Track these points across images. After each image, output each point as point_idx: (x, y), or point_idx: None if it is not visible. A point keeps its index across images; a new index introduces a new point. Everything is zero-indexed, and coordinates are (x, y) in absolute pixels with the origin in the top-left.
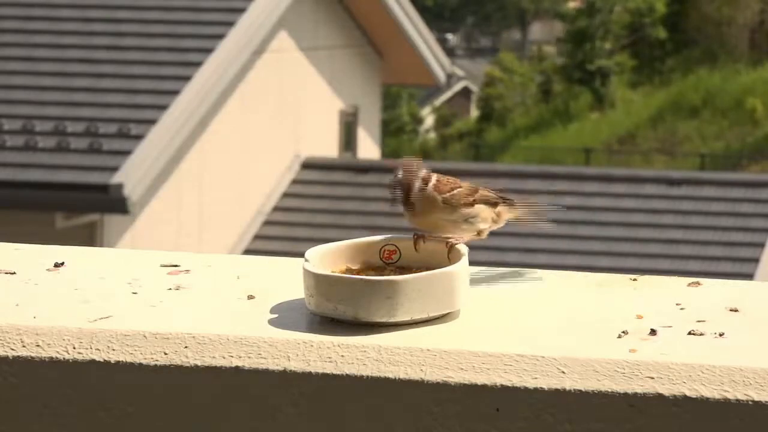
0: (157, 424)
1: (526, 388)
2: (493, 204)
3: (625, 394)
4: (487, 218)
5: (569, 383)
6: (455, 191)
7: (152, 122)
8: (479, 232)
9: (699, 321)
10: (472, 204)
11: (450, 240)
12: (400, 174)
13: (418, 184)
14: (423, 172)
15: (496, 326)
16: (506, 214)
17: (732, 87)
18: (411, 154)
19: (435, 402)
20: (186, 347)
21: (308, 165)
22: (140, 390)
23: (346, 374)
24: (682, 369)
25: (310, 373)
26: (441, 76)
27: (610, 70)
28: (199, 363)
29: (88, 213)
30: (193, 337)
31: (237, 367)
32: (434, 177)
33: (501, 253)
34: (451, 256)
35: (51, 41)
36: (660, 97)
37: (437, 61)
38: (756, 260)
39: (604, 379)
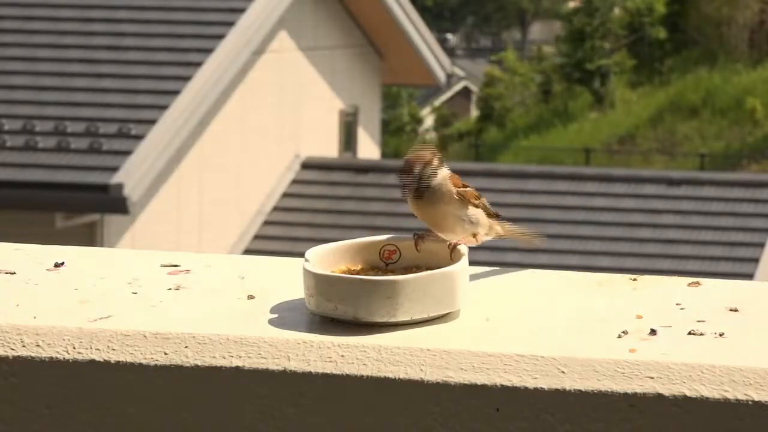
0: (157, 424)
1: (526, 388)
2: (488, 215)
3: (625, 394)
4: (485, 224)
5: (569, 383)
6: (467, 188)
7: (152, 122)
8: (475, 235)
9: (699, 321)
10: (477, 205)
11: (452, 241)
12: (412, 159)
13: (430, 169)
14: (436, 161)
15: (496, 326)
16: (497, 228)
17: (732, 87)
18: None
19: (435, 402)
20: (186, 347)
21: (308, 165)
22: (140, 390)
23: (346, 374)
24: (682, 369)
25: (310, 373)
26: (441, 76)
27: (610, 69)
28: (199, 363)
29: (88, 213)
30: (193, 337)
31: (237, 367)
32: (447, 169)
33: (501, 253)
34: (453, 256)
35: (51, 41)
36: (660, 97)
37: (437, 61)
38: (756, 260)
39: (604, 379)
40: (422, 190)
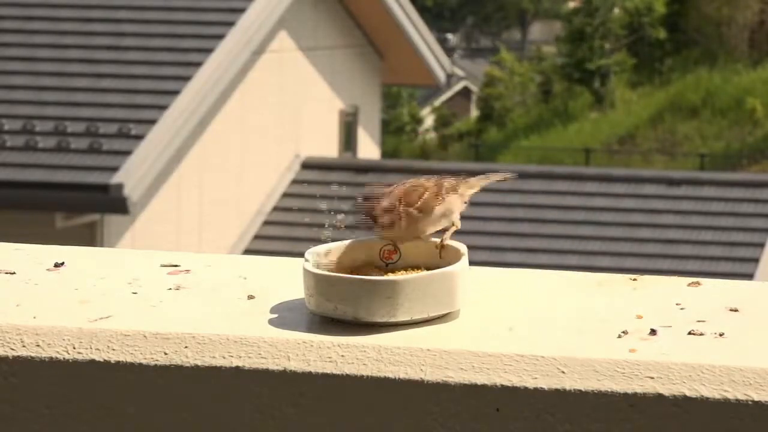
0: (157, 424)
1: (526, 388)
2: (455, 189)
3: (625, 394)
4: (458, 206)
5: (569, 383)
6: (425, 196)
7: (152, 122)
8: (453, 223)
9: (699, 321)
10: (442, 200)
11: (438, 241)
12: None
13: (384, 203)
14: (387, 198)
15: (496, 326)
16: (467, 191)
17: (732, 87)
18: (411, 154)
19: (435, 402)
20: (186, 347)
21: (308, 165)
22: (140, 390)
23: (346, 374)
24: (682, 369)
25: (310, 373)
26: (441, 76)
27: (610, 69)
28: (199, 363)
29: (88, 213)
30: (193, 337)
31: (237, 367)
32: (398, 190)
33: (501, 253)
34: (444, 255)
35: (51, 41)
36: (660, 97)
37: (437, 61)
38: (756, 260)
39: (604, 379)
40: (383, 222)
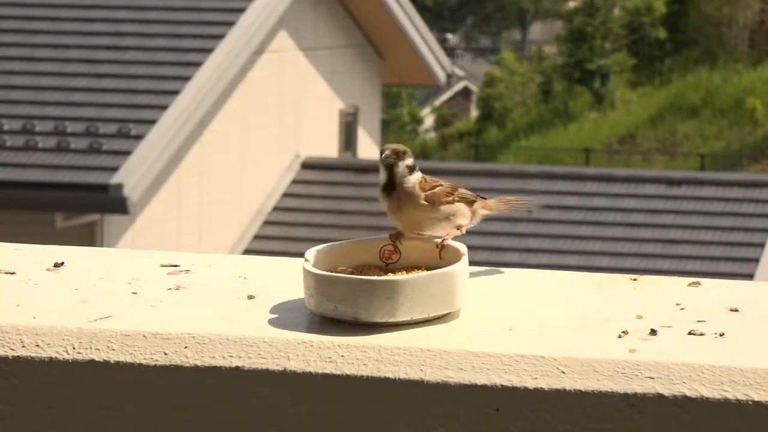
0: (157, 424)
1: (526, 388)
2: (471, 202)
3: (625, 394)
4: (466, 214)
5: (569, 383)
6: (436, 189)
7: (152, 122)
8: (459, 227)
9: (699, 321)
10: (452, 201)
11: (439, 240)
12: (387, 153)
13: (402, 168)
14: (409, 161)
15: (496, 326)
16: (481, 211)
17: (732, 87)
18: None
19: (435, 402)
20: (186, 347)
21: (308, 165)
22: (140, 390)
23: (346, 374)
24: (682, 369)
25: (310, 373)
26: (441, 76)
27: (610, 69)
28: (199, 363)
29: (88, 213)
30: (193, 337)
31: (237, 367)
32: (419, 173)
33: (501, 253)
34: (444, 255)
35: (51, 41)
36: (660, 97)
37: (437, 61)
38: (756, 260)
39: (604, 379)
40: (393, 191)
